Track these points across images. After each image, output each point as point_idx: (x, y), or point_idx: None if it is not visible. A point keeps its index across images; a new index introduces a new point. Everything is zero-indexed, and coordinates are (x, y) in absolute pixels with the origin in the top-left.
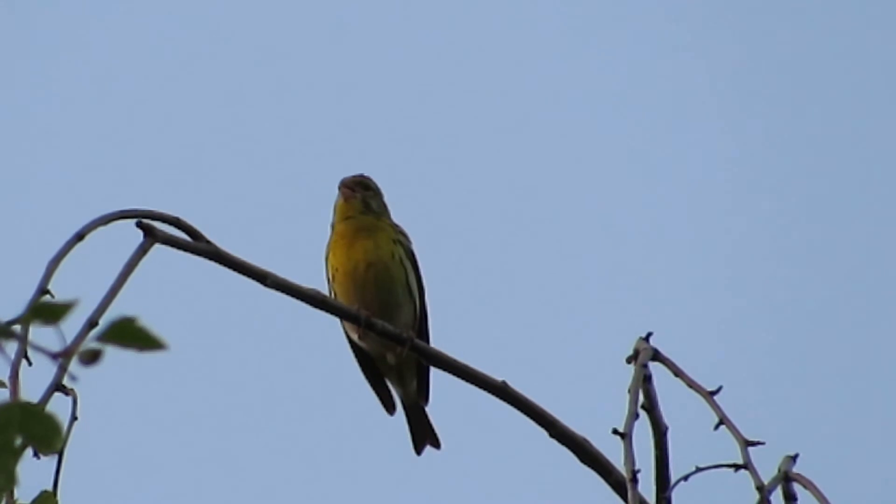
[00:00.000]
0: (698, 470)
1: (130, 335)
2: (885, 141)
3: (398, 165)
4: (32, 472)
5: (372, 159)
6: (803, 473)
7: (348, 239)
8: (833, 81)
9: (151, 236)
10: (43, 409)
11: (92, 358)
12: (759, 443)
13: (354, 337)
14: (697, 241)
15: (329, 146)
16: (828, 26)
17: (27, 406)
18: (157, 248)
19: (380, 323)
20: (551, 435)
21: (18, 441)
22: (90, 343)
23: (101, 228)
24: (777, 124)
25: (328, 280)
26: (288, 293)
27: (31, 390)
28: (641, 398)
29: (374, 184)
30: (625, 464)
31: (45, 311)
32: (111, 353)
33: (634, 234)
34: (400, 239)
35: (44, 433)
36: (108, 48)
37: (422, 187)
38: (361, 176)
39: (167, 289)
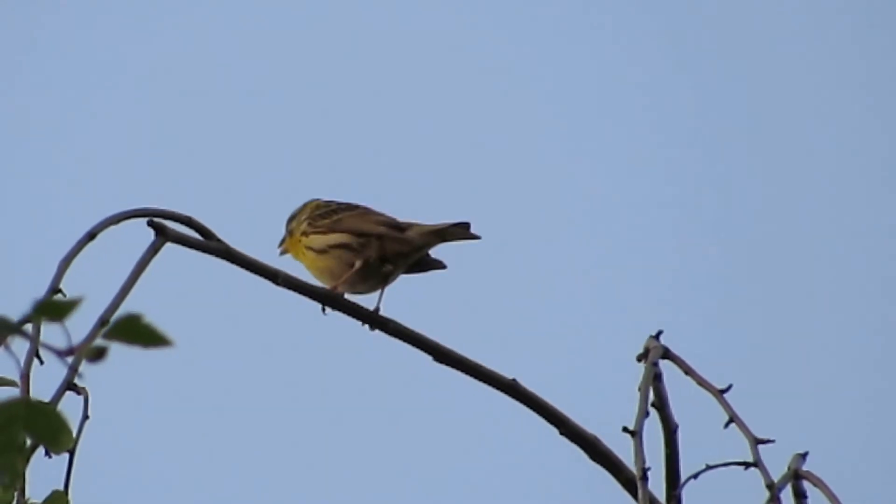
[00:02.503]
0: (708, 468)
1: (136, 332)
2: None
3: (408, 165)
4: (44, 471)
5: (383, 160)
6: (813, 471)
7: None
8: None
9: (163, 235)
10: (48, 406)
11: (97, 355)
12: (769, 441)
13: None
14: (709, 239)
15: (342, 146)
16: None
17: (32, 403)
18: (169, 247)
19: (393, 323)
20: (562, 433)
21: (23, 438)
22: (96, 340)
23: (112, 227)
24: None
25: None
26: (299, 291)
27: (43, 391)
28: (652, 396)
29: (294, 210)
30: (635, 462)
31: (52, 308)
32: (125, 353)
33: (646, 230)
34: (302, 229)
35: (49, 430)
36: (118, 47)
37: (432, 186)
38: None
39: (178, 287)
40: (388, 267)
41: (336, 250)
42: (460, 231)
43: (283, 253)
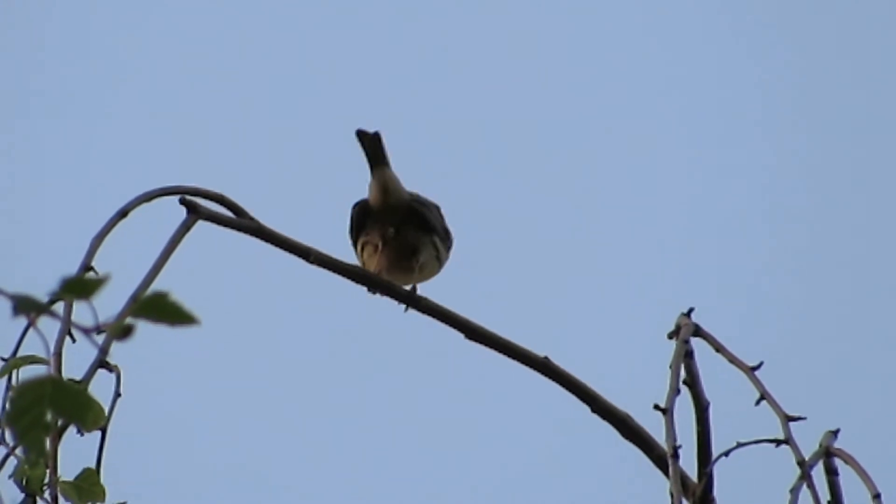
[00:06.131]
0: (739, 445)
1: (162, 310)
2: None
3: (440, 145)
4: (76, 449)
5: (416, 140)
6: (845, 449)
7: None
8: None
9: (195, 213)
10: (75, 385)
11: (124, 333)
12: (800, 418)
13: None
14: (740, 216)
15: (371, 123)
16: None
17: (58, 381)
18: (201, 225)
19: (425, 301)
20: (593, 410)
21: (49, 416)
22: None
23: (144, 205)
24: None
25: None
26: (331, 269)
27: (76, 369)
28: (683, 374)
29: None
30: (666, 439)
31: (79, 286)
32: (158, 331)
33: (678, 207)
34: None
35: (76, 408)
36: (148, 27)
37: (461, 166)
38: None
39: (210, 265)
40: (393, 231)
41: (363, 255)
42: (365, 143)
43: None
